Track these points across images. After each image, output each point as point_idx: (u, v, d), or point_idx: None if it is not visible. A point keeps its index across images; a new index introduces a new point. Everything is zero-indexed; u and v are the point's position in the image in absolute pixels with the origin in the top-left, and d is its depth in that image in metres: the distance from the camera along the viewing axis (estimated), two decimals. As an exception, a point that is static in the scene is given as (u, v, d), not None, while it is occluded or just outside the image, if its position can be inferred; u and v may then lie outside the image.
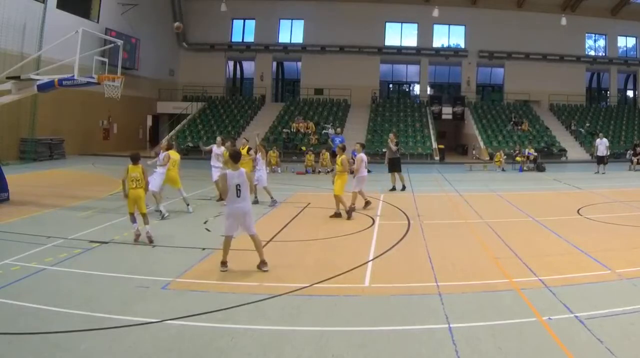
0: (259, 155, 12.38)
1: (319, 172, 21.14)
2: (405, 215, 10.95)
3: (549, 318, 5.00)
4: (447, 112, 34.33)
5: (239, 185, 6.57)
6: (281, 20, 38.23)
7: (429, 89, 39.47)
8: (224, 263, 6.65)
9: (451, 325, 4.88)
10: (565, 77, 36.38)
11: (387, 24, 37.73)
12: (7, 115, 19.18)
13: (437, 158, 28.25)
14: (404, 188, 15.03)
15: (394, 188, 14.99)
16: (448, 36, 38.56)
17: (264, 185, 12.23)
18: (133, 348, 4.41)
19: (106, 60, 14.88)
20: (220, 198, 12.69)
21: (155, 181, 10.29)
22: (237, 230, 6.73)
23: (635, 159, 22.65)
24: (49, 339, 4.55)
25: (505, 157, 23.95)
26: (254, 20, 38.14)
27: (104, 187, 14.55)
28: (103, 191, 13.72)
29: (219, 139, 13.62)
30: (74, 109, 25.48)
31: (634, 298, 5.64)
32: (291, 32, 38.37)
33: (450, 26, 37.93)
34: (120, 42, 13.86)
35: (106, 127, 29.95)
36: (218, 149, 12.88)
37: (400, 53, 37.94)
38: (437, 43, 38.29)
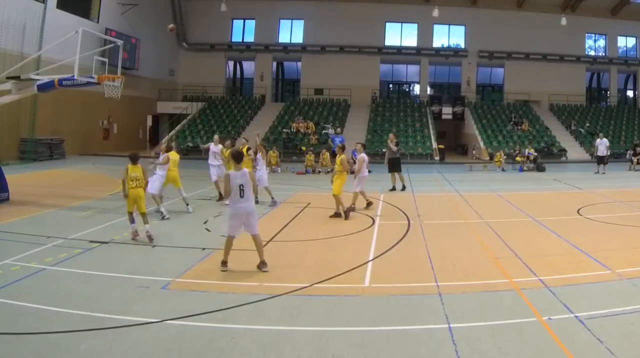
0: (259, 155, 12.39)
1: (319, 172, 21.14)
2: (405, 215, 10.95)
3: (549, 318, 5.00)
4: (447, 112, 34.32)
5: (242, 185, 6.58)
6: (281, 20, 38.22)
7: (429, 89, 39.46)
8: (224, 263, 6.66)
9: (451, 325, 4.87)
10: (565, 77, 36.37)
11: (387, 24, 37.72)
12: (7, 115, 19.18)
13: (437, 158, 28.25)
14: (404, 188, 15.03)
15: (394, 189, 14.99)
16: (448, 36, 38.55)
17: (265, 185, 12.25)
18: (133, 348, 4.41)
19: (106, 60, 14.89)
20: (220, 198, 12.77)
21: (154, 183, 10.28)
22: (240, 230, 6.74)
23: (635, 159, 22.65)
24: (49, 339, 4.55)
25: (505, 157, 23.95)
26: (254, 20, 38.13)
27: (104, 187, 14.55)
28: (103, 191, 13.72)
29: (216, 137, 13.83)
30: (74, 109, 25.47)
31: (634, 298, 5.64)
32: (291, 32, 38.37)
33: (450, 26, 37.93)
34: (120, 42, 13.86)
35: (106, 127, 29.94)
36: (215, 147, 13.05)
37: (400, 53, 37.93)
38: (437, 43, 38.29)
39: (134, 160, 8.51)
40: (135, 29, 30.12)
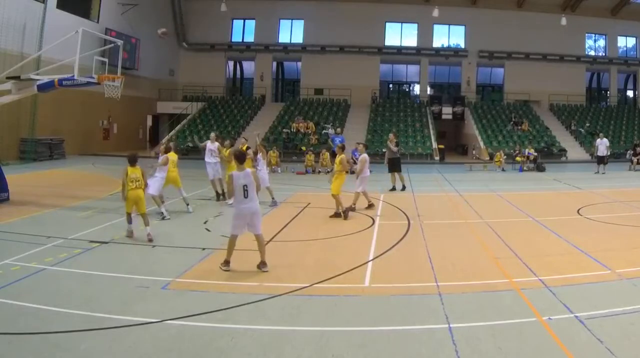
0: (259, 155, 12.39)
1: (319, 172, 21.13)
2: (405, 215, 10.95)
3: (549, 318, 5.00)
4: (447, 112, 34.32)
5: (246, 185, 6.57)
6: (281, 20, 38.23)
7: (429, 89, 39.46)
8: (227, 263, 6.65)
9: (451, 325, 4.87)
10: (565, 77, 36.38)
11: (387, 24, 37.72)
12: (7, 115, 19.18)
13: (437, 158, 28.25)
14: (404, 188, 15.03)
15: (394, 189, 14.99)
16: (448, 36, 38.55)
17: (267, 185, 12.24)
18: (133, 348, 4.41)
19: (106, 60, 14.88)
20: (217, 199, 12.78)
21: (154, 185, 10.28)
22: (244, 230, 6.74)
23: (635, 159, 22.65)
24: (49, 339, 4.55)
25: (505, 157, 23.94)
26: (254, 20, 38.13)
27: (104, 187, 14.55)
28: (103, 191, 13.72)
29: (212, 134, 13.92)
30: (74, 109, 25.47)
31: (634, 298, 5.64)
32: (291, 32, 38.37)
33: (450, 26, 37.93)
34: (120, 42, 13.85)
35: (106, 127, 29.94)
36: (212, 145, 13.14)
37: (400, 53, 37.93)
38: (437, 43, 38.29)
39: (133, 161, 8.50)
40: (135, 29, 30.12)
